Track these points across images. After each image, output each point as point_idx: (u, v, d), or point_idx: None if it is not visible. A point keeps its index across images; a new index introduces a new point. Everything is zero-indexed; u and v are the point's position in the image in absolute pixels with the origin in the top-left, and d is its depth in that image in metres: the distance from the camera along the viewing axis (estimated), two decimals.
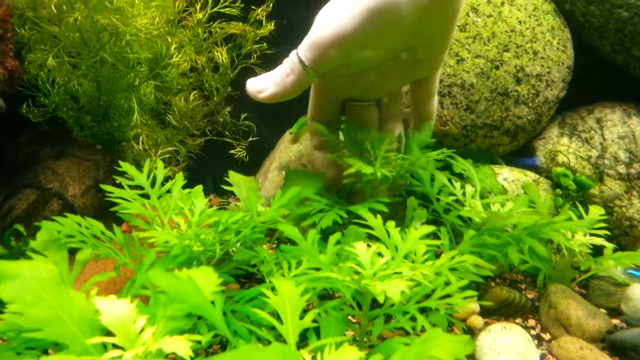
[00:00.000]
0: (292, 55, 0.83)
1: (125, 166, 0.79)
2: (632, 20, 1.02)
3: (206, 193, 1.42)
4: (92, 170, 1.03)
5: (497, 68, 1.08)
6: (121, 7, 0.94)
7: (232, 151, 1.31)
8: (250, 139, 1.34)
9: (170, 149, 1.18)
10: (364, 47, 0.79)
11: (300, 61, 0.81)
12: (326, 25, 0.78)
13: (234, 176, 0.97)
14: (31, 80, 1.01)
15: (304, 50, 0.81)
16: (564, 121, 1.17)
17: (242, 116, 1.33)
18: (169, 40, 1.14)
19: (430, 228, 0.72)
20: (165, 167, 1.20)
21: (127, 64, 1.03)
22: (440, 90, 1.10)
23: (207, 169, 1.38)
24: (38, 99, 1.05)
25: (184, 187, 0.83)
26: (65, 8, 0.93)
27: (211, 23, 1.20)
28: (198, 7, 1.18)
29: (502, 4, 1.09)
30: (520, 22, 1.08)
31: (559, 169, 1.06)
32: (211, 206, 1.35)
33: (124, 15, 0.95)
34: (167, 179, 0.89)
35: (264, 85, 0.86)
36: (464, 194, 0.91)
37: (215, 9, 1.21)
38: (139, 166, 1.14)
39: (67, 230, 0.63)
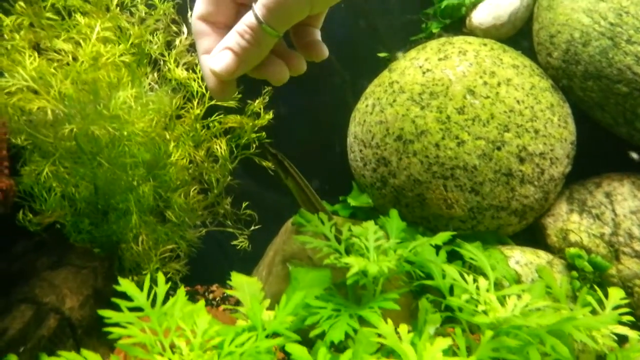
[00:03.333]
0: (249, 15, 0.68)
1: (124, 284, 0.76)
2: (632, 95, 1.01)
3: (209, 283, 1.40)
4: (90, 279, 0.99)
5: (499, 149, 1.06)
6: (119, 114, 0.93)
7: (235, 242, 1.28)
8: (253, 227, 1.32)
9: (170, 247, 1.15)
10: None
11: (259, 21, 0.66)
12: None
13: (236, 278, 0.93)
14: (26, 190, 1.00)
15: (260, 8, 0.66)
16: (572, 196, 1.15)
17: (244, 205, 1.31)
18: (167, 136, 1.13)
19: (447, 342, 0.68)
20: (164, 265, 1.18)
21: (124, 167, 1.01)
22: (443, 173, 1.08)
23: (210, 259, 1.35)
24: (34, 206, 1.03)
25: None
26: (62, 115, 0.93)
27: (209, 118, 1.20)
28: (195, 102, 1.19)
29: (499, 84, 1.08)
30: (518, 101, 1.08)
31: (573, 250, 1.03)
32: (214, 299, 1.34)
33: (121, 123, 0.95)
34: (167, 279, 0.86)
35: (222, 57, 0.71)
36: (477, 288, 0.87)
37: (212, 102, 1.22)
38: (139, 267, 1.12)
39: None
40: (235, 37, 0.69)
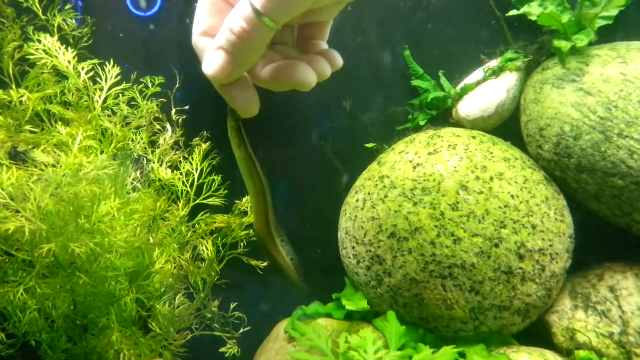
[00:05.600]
0: (243, 6, 0.58)
1: None
2: (629, 188, 1.00)
3: None
4: None
5: (497, 246, 1.03)
6: (101, 228, 0.89)
7: (223, 349, 1.21)
8: (242, 330, 1.25)
9: None
10: None
11: (256, 11, 0.57)
12: None
13: None
14: None
15: None
16: (574, 290, 1.11)
17: (232, 306, 1.25)
18: (151, 240, 1.08)
19: None
20: None
21: (106, 281, 0.96)
22: (441, 272, 1.04)
23: None
24: (7, 327, 0.96)
25: None
26: (40, 234, 0.87)
27: (195, 219, 1.16)
28: (180, 204, 1.14)
29: (492, 179, 1.06)
30: (513, 196, 1.05)
31: (583, 354, 0.97)
32: None
33: (103, 236, 0.90)
34: None
35: (213, 58, 0.62)
36: None
37: (198, 201, 1.18)
38: None
39: None
40: (226, 33, 0.60)
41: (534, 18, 1.11)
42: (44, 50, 0.99)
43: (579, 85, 1.06)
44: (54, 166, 0.93)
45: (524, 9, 1.12)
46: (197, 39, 0.68)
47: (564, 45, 1.08)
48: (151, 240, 1.08)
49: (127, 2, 1.25)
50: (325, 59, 0.71)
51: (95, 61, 1.03)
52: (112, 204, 0.91)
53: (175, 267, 1.15)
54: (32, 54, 0.99)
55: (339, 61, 0.73)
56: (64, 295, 0.97)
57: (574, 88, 1.06)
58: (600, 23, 1.13)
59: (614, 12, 1.13)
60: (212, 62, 0.62)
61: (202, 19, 0.67)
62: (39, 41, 1.00)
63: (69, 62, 1.02)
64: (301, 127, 1.34)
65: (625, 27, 1.18)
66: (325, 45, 0.75)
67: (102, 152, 1.03)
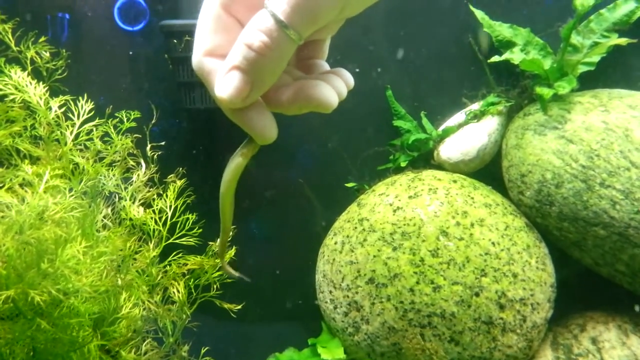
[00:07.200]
0: (262, 18, 0.51)
1: None
2: (611, 238, 0.98)
3: None
4: None
5: (477, 295, 1.00)
6: (65, 273, 0.84)
7: None
8: None
9: None
10: None
11: (279, 22, 0.50)
12: None
13: None
14: None
15: (280, 4, 0.50)
16: (556, 341, 1.08)
17: (203, 351, 1.20)
18: (119, 281, 1.04)
19: None
20: None
21: (68, 327, 0.91)
22: (420, 320, 1.01)
23: None
24: None
25: None
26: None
27: (167, 260, 1.12)
28: (151, 244, 1.10)
29: (472, 225, 1.04)
30: (493, 243, 1.03)
31: None
32: None
33: (67, 280, 0.85)
34: None
35: (228, 80, 0.54)
36: None
37: (170, 240, 1.14)
38: None
39: None
40: (242, 50, 0.53)
41: (516, 63, 1.10)
42: (14, 86, 0.96)
43: (560, 133, 1.05)
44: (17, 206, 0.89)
45: (506, 55, 1.11)
46: (202, 60, 0.60)
47: (545, 92, 1.08)
48: (119, 282, 1.04)
49: (114, 16, 1.23)
50: (338, 77, 0.63)
51: (68, 97, 1.00)
52: (78, 247, 0.86)
53: (144, 310, 1.10)
54: (1, 89, 0.95)
55: (351, 80, 0.68)
56: (22, 341, 0.92)
57: (556, 135, 1.05)
58: (582, 69, 1.13)
59: (595, 59, 1.13)
60: (227, 84, 0.55)
61: (205, 37, 0.59)
62: (10, 77, 0.96)
63: (40, 98, 0.98)
64: (280, 164, 1.31)
65: (606, 74, 1.19)
66: (327, 65, 0.71)
67: (70, 189, 0.99)
